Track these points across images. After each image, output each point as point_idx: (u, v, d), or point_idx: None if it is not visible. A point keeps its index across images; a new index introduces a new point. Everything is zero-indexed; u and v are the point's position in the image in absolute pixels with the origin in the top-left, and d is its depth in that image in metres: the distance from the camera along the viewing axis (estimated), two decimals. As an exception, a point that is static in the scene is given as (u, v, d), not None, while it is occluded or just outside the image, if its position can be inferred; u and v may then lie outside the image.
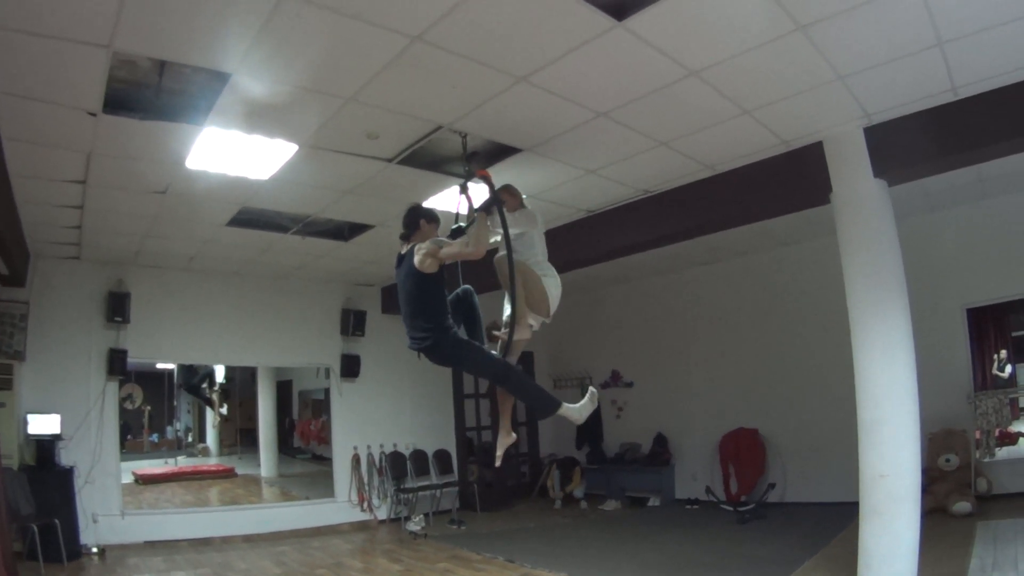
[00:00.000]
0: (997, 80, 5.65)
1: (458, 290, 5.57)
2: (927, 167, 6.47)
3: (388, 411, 13.04)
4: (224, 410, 20.64)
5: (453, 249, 4.96)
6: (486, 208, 5.20)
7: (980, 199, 9.53)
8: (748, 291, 12.31)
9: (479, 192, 5.64)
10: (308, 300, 12.44)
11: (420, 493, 12.50)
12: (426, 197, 7.90)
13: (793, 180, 7.03)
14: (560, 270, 5.48)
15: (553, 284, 5.40)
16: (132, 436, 19.12)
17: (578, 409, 5.39)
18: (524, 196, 5.81)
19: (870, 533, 6.06)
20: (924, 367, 6.24)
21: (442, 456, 13.41)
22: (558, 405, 5.33)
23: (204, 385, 20.09)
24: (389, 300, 12.94)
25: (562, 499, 13.72)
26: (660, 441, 13.38)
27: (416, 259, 4.95)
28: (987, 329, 10.26)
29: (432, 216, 5.35)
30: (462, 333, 5.26)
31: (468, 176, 6.00)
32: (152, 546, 9.91)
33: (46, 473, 9.08)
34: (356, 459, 12.45)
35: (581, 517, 12.45)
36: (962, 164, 6.58)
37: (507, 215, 5.19)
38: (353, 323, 12.61)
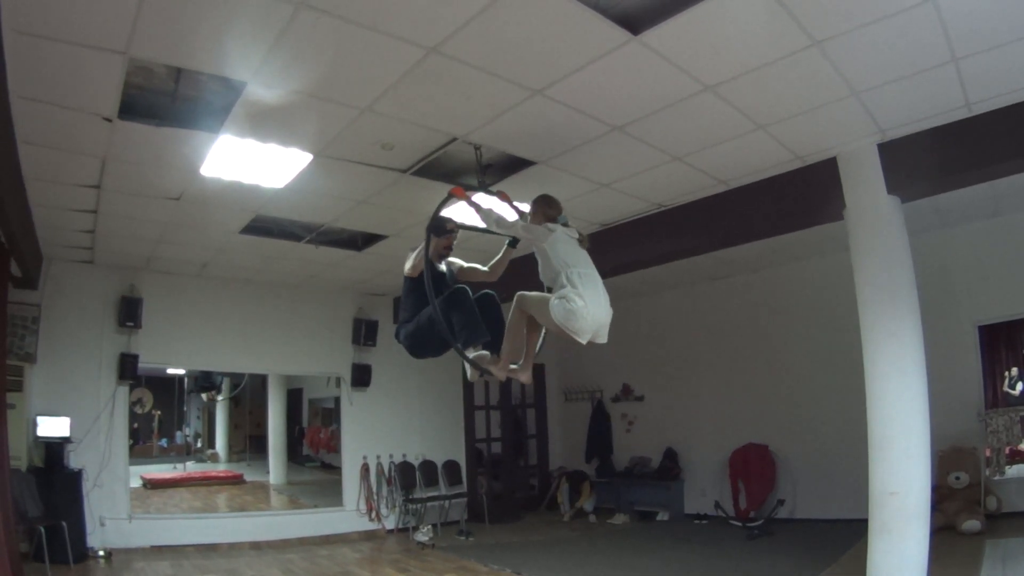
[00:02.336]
0: (1011, 96, 5.63)
1: (479, 294, 5.59)
2: (941, 183, 6.43)
3: (398, 421, 13.04)
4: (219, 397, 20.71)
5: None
6: (431, 229, 5.43)
7: (993, 216, 9.50)
8: (760, 306, 12.28)
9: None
10: (320, 309, 12.46)
11: (429, 503, 12.51)
12: (440, 209, 7.92)
13: (807, 196, 7.02)
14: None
15: (559, 306, 4.92)
16: (141, 440, 19.22)
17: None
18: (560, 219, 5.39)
19: (879, 551, 6.02)
20: (935, 384, 6.19)
21: (451, 467, 13.41)
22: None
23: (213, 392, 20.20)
24: (401, 310, 12.93)
25: (571, 513, 13.67)
26: (670, 455, 13.34)
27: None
28: (998, 346, 10.22)
29: (438, 229, 5.54)
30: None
31: (482, 188, 6.08)
32: (159, 551, 9.91)
33: (54, 475, 9.10)
34: (365, 468, 12.43)
35: (590, 530, 12.42)
36: (976, 181, 6.55)
37: (518, 228, 5.26)
38: (365, 333, 12.63)
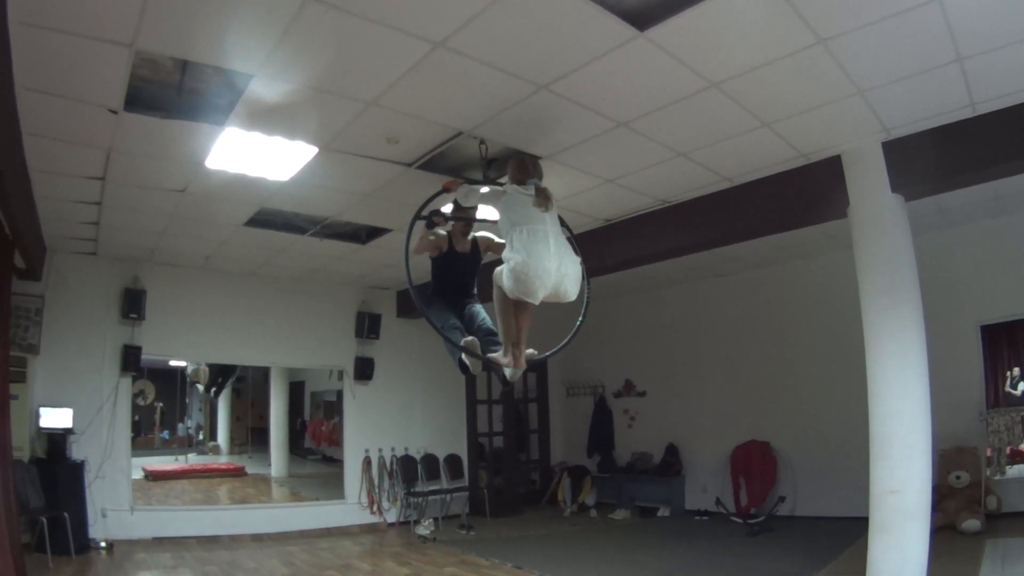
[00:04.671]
0: (1016, 97, 5.63)
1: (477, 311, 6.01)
2: (944, 183, 6.42)
3: (400, 414, 13.06)
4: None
5: None
6: (426, 221, 5.81)
7: (996, 216, 9.49)
8: (762, 304, 12.29)
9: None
10: (323, 302, 12.46)
11: (430, 497, 12.54)
12: (444, 202, 7.92)
13: (810, 193, 7.01)
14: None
15: (503, 271, 5.01)
16: (143, 432, 19.25)
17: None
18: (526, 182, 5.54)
19: (879, 549, 6.02)
20: (937, 383, 6.18)
21: (453, 461, 13.44)
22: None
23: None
24: (404, 304, 12.99)
25: (572, 508, 13.70)
26: (671, 451, 13.35)
27: None
28: (1001, 347, 10.21)
29: (428, 221, 5.95)
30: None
31: (487, 182, 6.14)
32: (160, 542, 9.95)
33: (57, 466, 9.12)
34: (367, 461, 12.46)
35: (590, 526, 12.44)
36: (979, 180, 6.53)
37: (476, 195, 5.70)
38: (368, 326, 12.63)
